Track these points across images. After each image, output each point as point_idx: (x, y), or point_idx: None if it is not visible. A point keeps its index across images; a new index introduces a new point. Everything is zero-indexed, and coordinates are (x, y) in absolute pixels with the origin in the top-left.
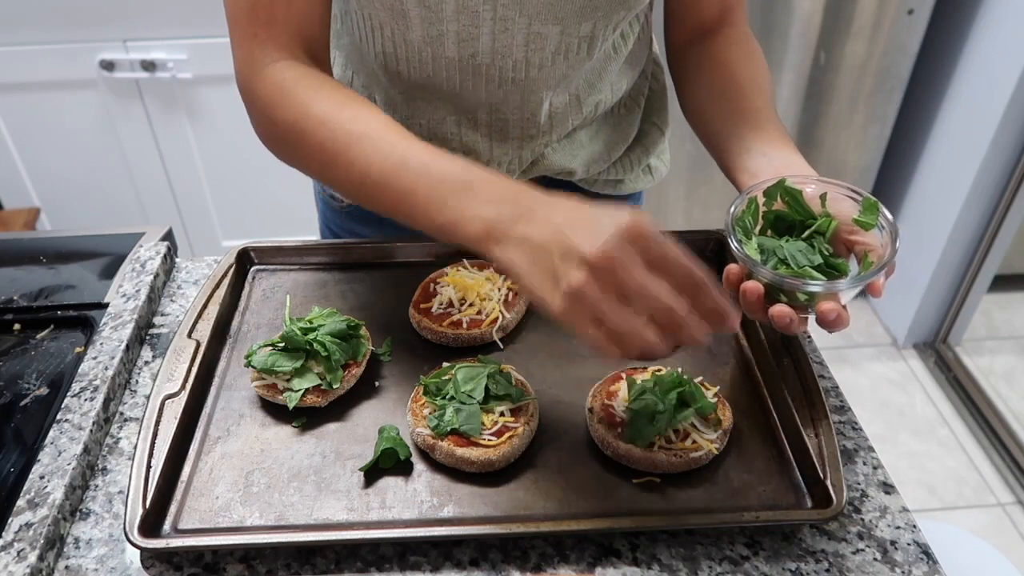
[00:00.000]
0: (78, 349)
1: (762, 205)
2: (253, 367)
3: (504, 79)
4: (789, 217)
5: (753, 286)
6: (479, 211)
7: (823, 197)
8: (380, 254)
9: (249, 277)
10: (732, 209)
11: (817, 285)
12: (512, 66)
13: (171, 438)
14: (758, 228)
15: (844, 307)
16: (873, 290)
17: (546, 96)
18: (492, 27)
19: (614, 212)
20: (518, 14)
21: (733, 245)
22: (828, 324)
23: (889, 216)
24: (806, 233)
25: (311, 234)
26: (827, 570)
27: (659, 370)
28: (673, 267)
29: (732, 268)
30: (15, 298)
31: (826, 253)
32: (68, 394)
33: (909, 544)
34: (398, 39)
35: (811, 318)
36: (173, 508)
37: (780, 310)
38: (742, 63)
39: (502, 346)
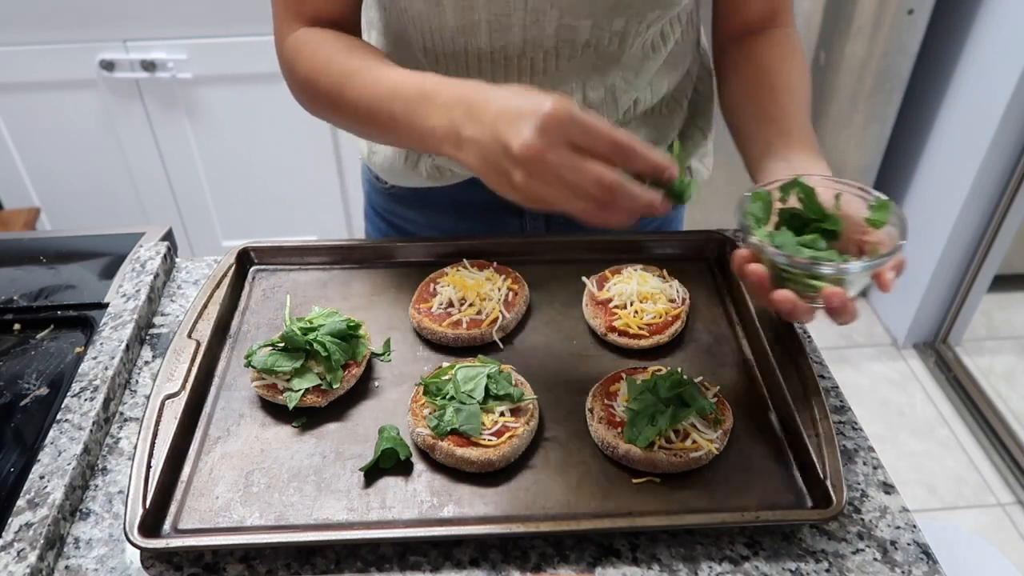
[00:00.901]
0: (78, 349)
1: (776, 200)
2: (253, 367)
3: (535, 70)
4: (803, 215)
5: (755, 268)
6: (436, 120)
7: (837, 197)
8: (380, 254)
9: (249, 277)
10: (747, 195)
11: (827, 267)
12: (543, 57)
13: (171, 438)
14: (771, 224)
15: (852, 299)
16: (881, 283)
17: (577, 87)
18: (523, 18)
19: (537, 99)
20: (550, 6)
21: (744, 228)
22: (833, 311)
23: (901, 215)
24: (816, 229)
25: (311, 234)
26: (827, 570)
27: (659, 370)
28: (597, 139)
29: (740, 252)
30: (15, 298)
31: (836, 256)
32: (68, 394)
33: (909, 544)
34: (433, 28)
35: (820, 312)
36: (173, 508)
37: (782, 295)
38: (779, 65)
39: (502, 346)
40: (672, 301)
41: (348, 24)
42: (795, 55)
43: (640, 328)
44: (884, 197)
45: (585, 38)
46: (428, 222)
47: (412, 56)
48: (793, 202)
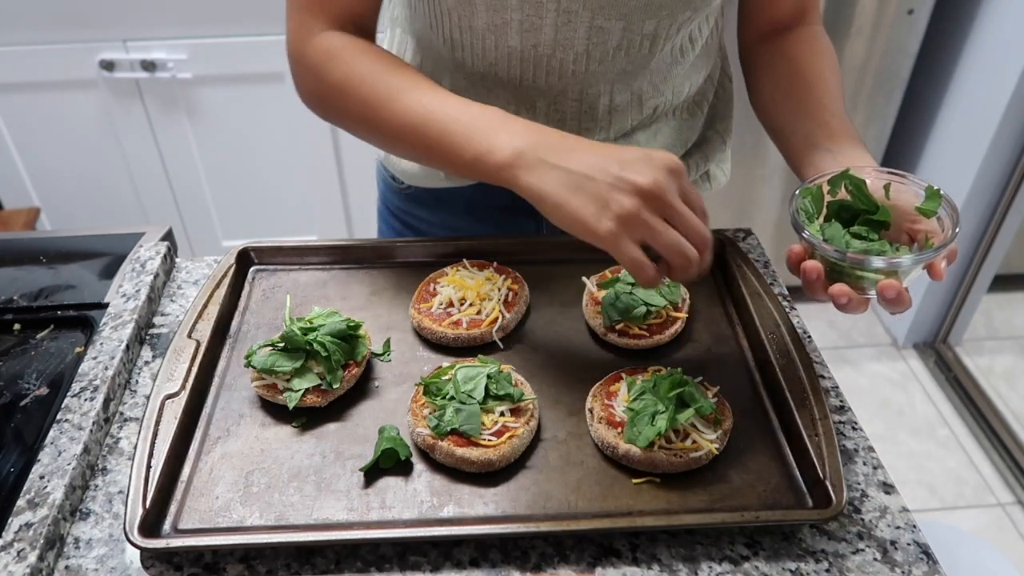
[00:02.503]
0: (78, 349)
1: (827, 194)
2: (253, 367)
3: (564, 71)
4: (853, 206)
5: (812, 264)
6: (509, 141)
7: (887, 187)
8: (380, 254)
9: (249, 277)
10: (797, 193)
11: (880, 260)
12: (573, 58)
13: (171, 438)
14: (822, 216)
15: (906, 289)
16: (934, 272)
17: (605, 90)
18: (555, 19)
19: (651, 150)
20: (582, 7)
21: (797, 224)
22: (889, 302)
23: (952, 203)
24: (865, 220)
25: (311, 234)
26: (827, 570)
27: (659, 370)
28: (694, 198)
29: (794, 248)
30: (15, 298)
31: (888, 245)
32: (68, 394)
33: (909, 544)
34: (464, 25)
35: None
36: (173, 508)
37: (839, 288)
38: (811, 59)
39: (502, 346)
40: (672, 301)
41: (369, 24)
42: (827, 51)
43: (640, 328)
44: (934, 186)
45: (616, 41)
46: (443, 222)
47: (436, 57)
48: (843, 194)
